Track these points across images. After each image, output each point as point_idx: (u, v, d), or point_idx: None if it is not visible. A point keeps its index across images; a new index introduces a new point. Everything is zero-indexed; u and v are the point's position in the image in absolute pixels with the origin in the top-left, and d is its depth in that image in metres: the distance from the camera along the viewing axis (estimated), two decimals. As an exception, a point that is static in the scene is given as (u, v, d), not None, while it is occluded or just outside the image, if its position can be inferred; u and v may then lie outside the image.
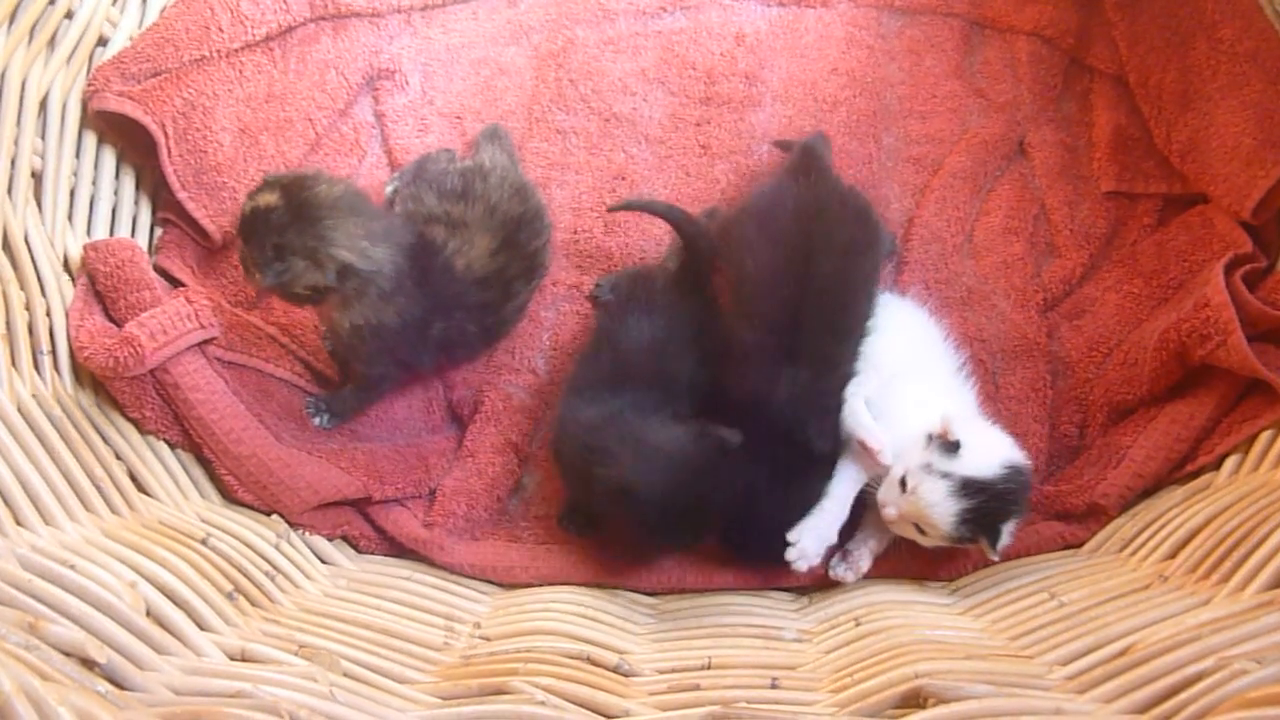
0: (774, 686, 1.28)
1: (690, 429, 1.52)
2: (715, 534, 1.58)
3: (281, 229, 1.47)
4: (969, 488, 1.41)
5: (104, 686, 1.02)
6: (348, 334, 1.59)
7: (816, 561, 1.54)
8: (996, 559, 1.44)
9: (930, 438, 1.45)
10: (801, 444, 1.53)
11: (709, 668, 1.34)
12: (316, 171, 1.54)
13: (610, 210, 1.86)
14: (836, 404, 1.54)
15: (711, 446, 1.50)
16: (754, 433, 1.51)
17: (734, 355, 1.59)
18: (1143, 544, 1.47)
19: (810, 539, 1.52)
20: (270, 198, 1.48)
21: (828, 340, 1.56)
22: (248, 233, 1.50)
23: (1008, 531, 1.45)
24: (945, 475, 1.42)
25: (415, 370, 1.74)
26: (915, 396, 1.56)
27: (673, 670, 1.35)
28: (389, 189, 1.86)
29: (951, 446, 1.43)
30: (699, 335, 1.65)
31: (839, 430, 1.54)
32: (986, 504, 1.41)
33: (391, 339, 1.61)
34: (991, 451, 1.45)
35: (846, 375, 1.57)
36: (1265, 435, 1.50)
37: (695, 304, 1.69)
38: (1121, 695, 1.09)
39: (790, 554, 1.52)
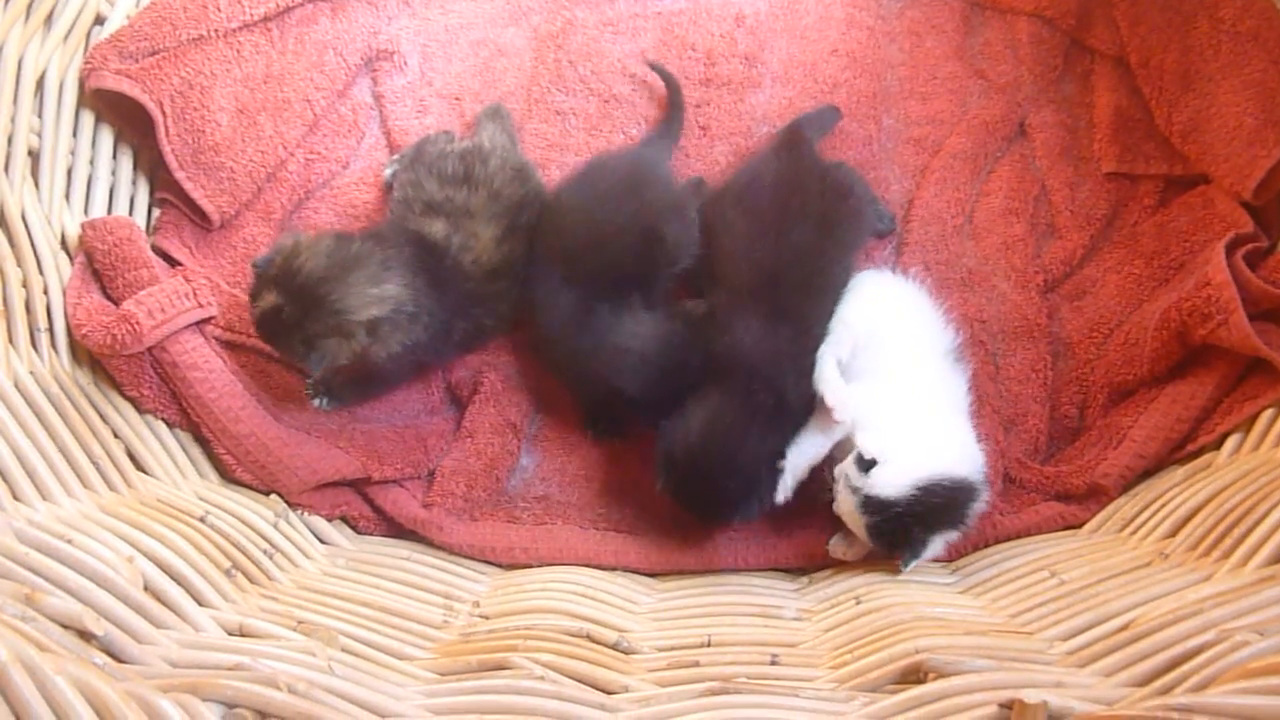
0: (774, 663, 1.28)
1: (659, 321, 1.65)
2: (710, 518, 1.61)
3: (297, 323, 1.47)
4: (870, 505, 1.44)
5: (101, 658, 1.02)
6: (384, 362, 1.58)
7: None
8: (904, 570, 1.46)
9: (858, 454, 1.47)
10: (768, 405, 1.56)
11: (708, 645, 1.34)
12: (294, 241, 1.52)
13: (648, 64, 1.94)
14: (811, 364, 1.57)
15: (680, 329, 1.64)
16: (724, 389, 1.56)
17: (718, 322, 1.62)
18: (1143, 523, 1.46)
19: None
20: (270, 298, 1.48)
21: (802, 301, 1.61)
22: (272, 340, 1.52)
23: (937, 544, 1.47)
24: (854, 490, 1.45)
25: (433, 369, 1.75)
26: (894, 379, 1.58)
27: (672, 648, 1.34)
28: (388, 172, 1.85)
29: (865, 464, 1.45)
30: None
31: (812, 392, 1.56)
32: (888, 523, 1.44)
33: (421, 351, 1.62)
34: (908, 470, 1.45)
35: (820, 335, 1.60)
36: (1267, 414, 1.50)
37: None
38: (1123, 668, 1.08)
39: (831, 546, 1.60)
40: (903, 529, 1.44)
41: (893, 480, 1.44)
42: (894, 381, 1.56)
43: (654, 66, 1.91)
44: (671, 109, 1.90)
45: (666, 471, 1.56)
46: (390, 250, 1.56)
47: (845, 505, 1.47)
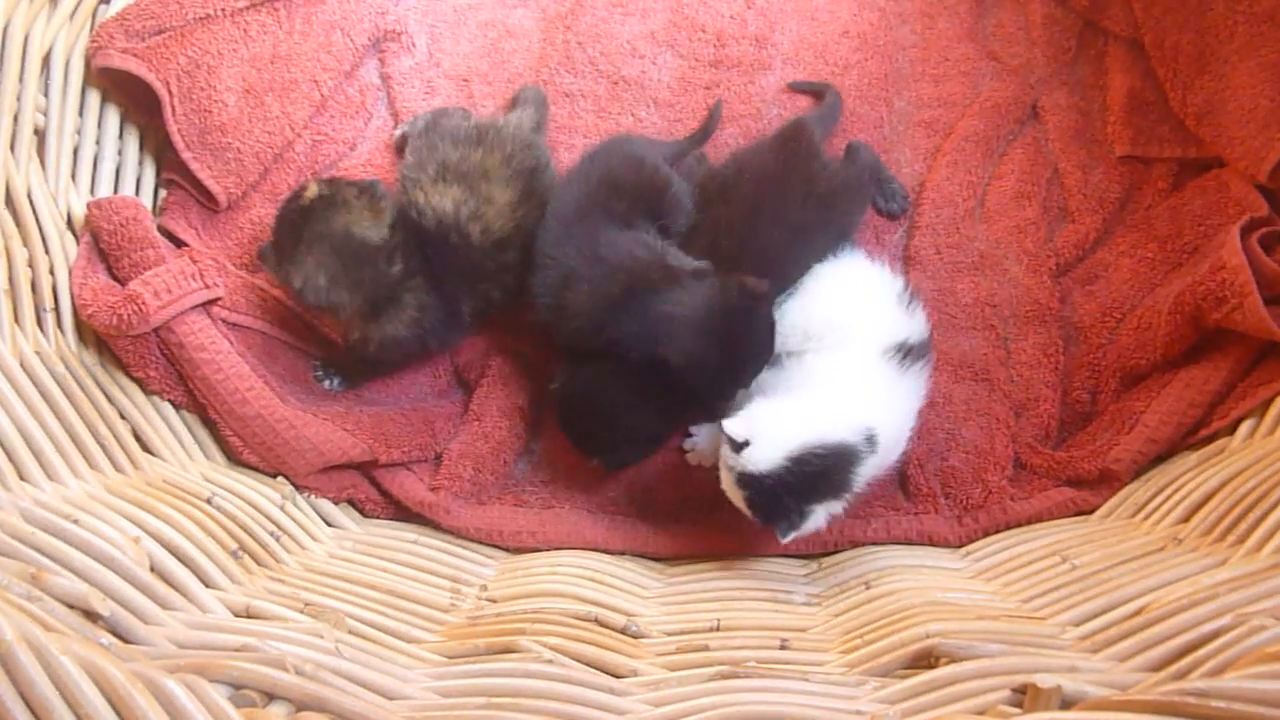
0: (784, 648, 1.28)
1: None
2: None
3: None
4: (743, 480, 1.44)
5: (107, 639, 1.01)
6: (377, 344, 1.61)
7: (710, 460, 1.62)
8: (783, 541, 1.44)
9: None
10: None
11: (718, 629, 1.34)
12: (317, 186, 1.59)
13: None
14: None
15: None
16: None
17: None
18: (1156, 508, 1.45)
19: (704, 438, 1.67)
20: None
21: None
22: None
23: (818, 515, 1.45)
24: (730, 468, 1.46)
25: (446, 348, 1.75)
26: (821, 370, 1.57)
27: (681, 632, 1.34)
28: (398, 133, 1.84)
29: (736, 445, 1.44)
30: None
31: None
32: (761, 495, 1.43)
33: (429, 338, 1.64)
34: (779, 443, 1.43)
35: None
36: (1281, 399, 1.48)
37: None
38: (1137, 653, 1.07)
39: (686, 443, 1.68)
40: (775, 500, 1.43)
41: (763, 455, 1.42)
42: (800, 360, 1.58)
43: (714, 111, 1.90)
44: (699, 133, 1.88)
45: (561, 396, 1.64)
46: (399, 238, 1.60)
47: (725, 482, 1.48)
